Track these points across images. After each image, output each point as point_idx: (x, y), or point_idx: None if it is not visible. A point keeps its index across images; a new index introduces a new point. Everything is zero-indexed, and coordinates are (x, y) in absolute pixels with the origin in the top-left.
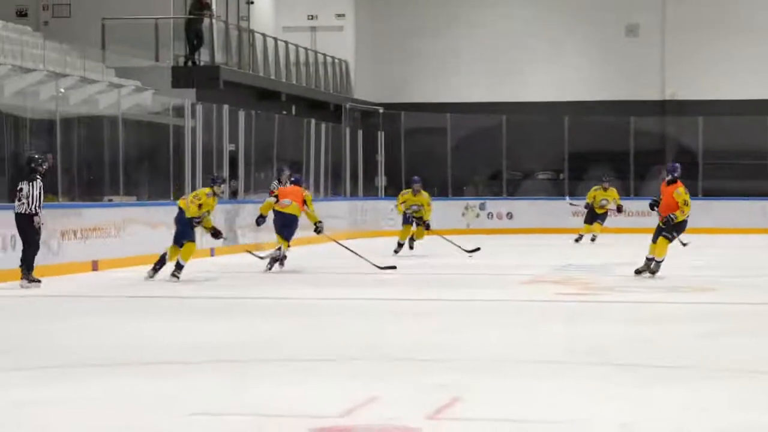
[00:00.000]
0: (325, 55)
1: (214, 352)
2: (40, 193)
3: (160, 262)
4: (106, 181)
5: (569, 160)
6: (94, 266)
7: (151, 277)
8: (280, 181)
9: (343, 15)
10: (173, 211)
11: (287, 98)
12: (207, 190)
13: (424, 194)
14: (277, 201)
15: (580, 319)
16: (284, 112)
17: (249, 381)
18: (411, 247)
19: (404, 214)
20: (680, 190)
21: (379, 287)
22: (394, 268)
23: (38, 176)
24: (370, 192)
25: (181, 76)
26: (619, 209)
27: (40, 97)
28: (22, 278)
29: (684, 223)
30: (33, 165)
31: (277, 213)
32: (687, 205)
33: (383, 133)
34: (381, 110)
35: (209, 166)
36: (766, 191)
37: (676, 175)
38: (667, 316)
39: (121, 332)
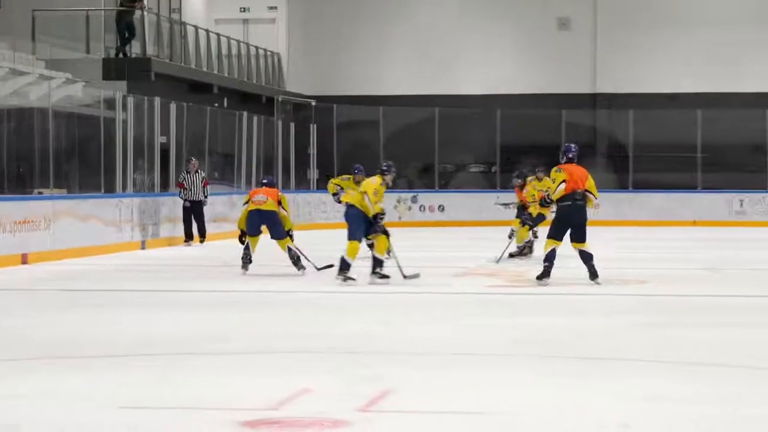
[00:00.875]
0: (257, 47)
1: (144, 345)
2: None
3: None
4: (36, 173)
5: (501, 152)
6: (24, 259)
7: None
8: (188, 172)
9: (275, 7)
10: (103, 204)
11: (219, 91)
12: (379, 180)
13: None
14: (251, 202)
15: (511, 311)
16: (216, 105)
17: (179, 374)
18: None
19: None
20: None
21: (314, 281)
22: (331, 266)
23: None
24: (303, 185)
25: (113, 68)
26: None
27: None
28: None
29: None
30: None
31: (253, 213)
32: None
33: (315, 125)
34: (313, 103)
35: (140, 158)
36: (696, 184)
37: (570, 156)
38: (599, 308)
39: (51, 326)
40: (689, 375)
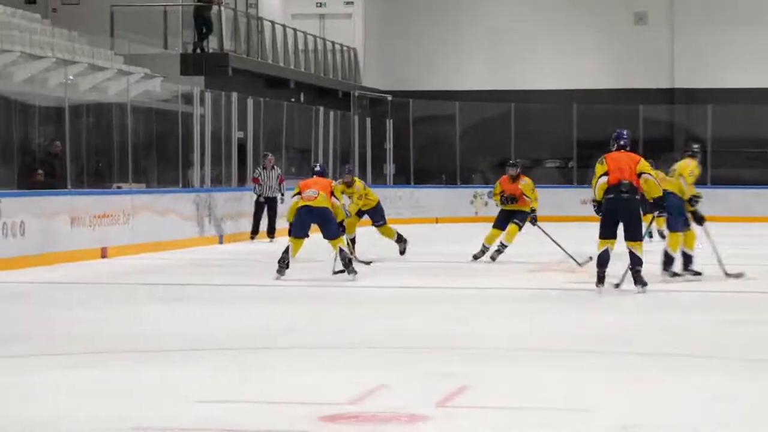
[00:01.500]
0: (333, 42)
1: (223, 340)
2: None
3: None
4: (115, 168)
5: (578, 148)
6: (103, 253)
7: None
8: (263, 168)
9: (352, 2)
10: (181, 199)
11: (296, 86)
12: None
13: (358, 185)
14: (300, 195)
15: (589, 307)
16: (293, 100)
17: (258, 369)
18: (402, 252)
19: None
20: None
21: (390, 276)
22: (369, 263)
23: None
24: (379, 180)
25: (190, 64)
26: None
27: (48, 84)
28: None
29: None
30: None
31: (303, 209)
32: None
33: (392, 121)
34: (389, 98)
35: (218, 153)
36: None
37: (621, 143)
38: (679, 305)
39: (130, 320)
40: None
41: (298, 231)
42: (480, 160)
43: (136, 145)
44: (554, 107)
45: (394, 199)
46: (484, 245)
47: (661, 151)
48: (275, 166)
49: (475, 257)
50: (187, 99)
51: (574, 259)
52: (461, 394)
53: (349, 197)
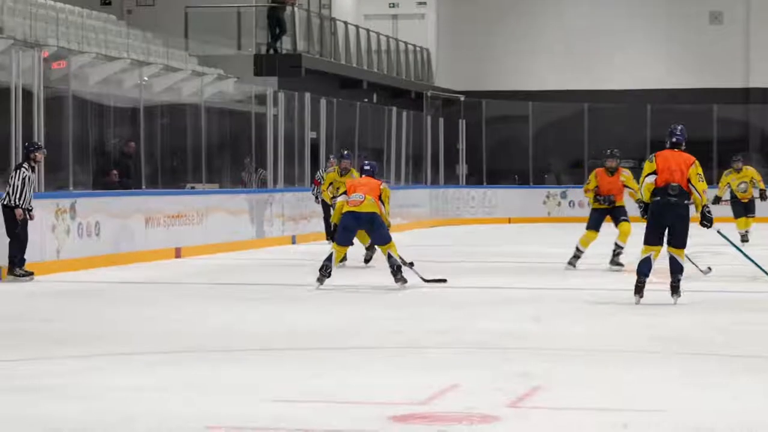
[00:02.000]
0: (406, 43)
1: (294, 339)
2: (23, 183)
3: (328, 270)
4: (189, 168)
5: (651, 147)
6: (177, 253)
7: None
8: (326, 170)
9: (425, 2)
10: (254, 199)
11: (369, 86)
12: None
13: (355, 175)
14: (346, 197)
15: (664, 308)
16: (365, 100)
17: (329, 368)
18: (366, 260)
19: (331, 200)
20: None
21: (466, 276)
22: (444, 281)
23: (25, 165)
24: (451, 180)
25: (264, 65)
26: (763, 196)
27: (123, 85)
28: (6, 274)
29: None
30: (25, 151)
31: (348, 216)
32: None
33: (464, 121)
34: (462, 98)
35: (291, 154)
36: None
37: (675, 140)
38: (754, 306)
39: (204, 319)
40: None
41: (343, 239)
42: (553, 160)
43: (209, 145)
44: (628, 107)
45: (466, 199)
46: (578, 249)
47: (735, 151)
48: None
49: (571, 264)
50: (261, 100)
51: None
52: (534, 395)
53: (338, 189)
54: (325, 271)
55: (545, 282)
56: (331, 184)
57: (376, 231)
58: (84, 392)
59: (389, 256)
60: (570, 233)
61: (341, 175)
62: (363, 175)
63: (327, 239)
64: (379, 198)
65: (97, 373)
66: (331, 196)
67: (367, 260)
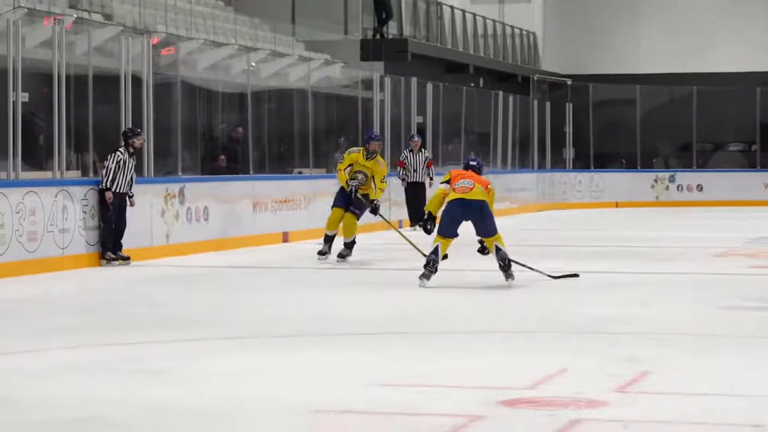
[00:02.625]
0: (512, 27)
1: (399, 323)
2: (116, 167)
3: (434, 264)
4: (296, 153)
5: (761, 131)
6: (285, 237)
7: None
8: (410, 150)
9: None
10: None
11: (475, 70)
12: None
13: (381, 161)
14: (449, 185)
15: None
16: (472, 85)
17: (435, 352)
18: (341, 256)
19: (344, 186)
20: None
21: (570, 261)
22: (576, 276)
23: (120, 149)
24: (558, 164)
25: (370, 49)
26: None
27: (231, 71)
28: (101, 258)
29: None
30: (123, 136)
31: (456, 203)
32: None
33: (571, 104)
34: (569, 82)
35: (397, 138)
36: None
37: None
38: None
39: (310, 304)
40: None
41: (449, 229)
42: (661, 144)
43: (316, 130)
44: (737, 90)
45: (573, 183)
46: None
47: None
48: (422, 149)
49: None
50: (367, 85)
51: None
52: (642, 380)
53: (362, 173)
54: (432, 266)
55: (652, 267)
56: (350, 166)
57: (485, 221)
58: (191, 376)
59: (497, 249)
60: (678, 217)
61: (367, 159)
62: (469, 170)
63: (411, 225)
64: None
65: (204, 357)
66: (349, 179)
67: (340, 255)
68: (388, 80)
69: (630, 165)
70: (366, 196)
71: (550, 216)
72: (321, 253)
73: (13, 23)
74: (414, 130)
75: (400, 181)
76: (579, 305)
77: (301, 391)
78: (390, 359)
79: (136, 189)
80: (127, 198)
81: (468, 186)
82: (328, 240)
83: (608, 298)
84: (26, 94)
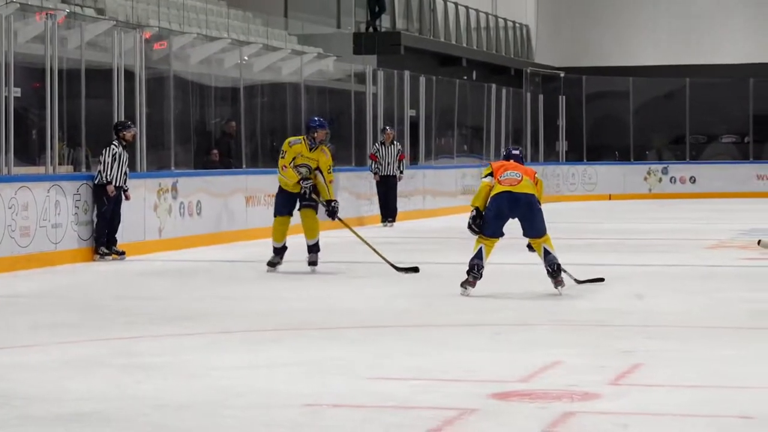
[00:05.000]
0: (505, 19)
1: (394, 317)
2: (113, 160)
3: (479, 269)
4: None
5: (754, 122)
6: None
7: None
8: (382, 143)
9: None
10: (354, 178)
11: (468, 63)
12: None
13: (326, 150)
14: (493, 178)
15: (765, 284)
16: (465, 78)
17: (427, 346)
18: (311, 263)
19: (304, 186)
20: None
21: (563, 253)
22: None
23: (114, 143)
24: (551, 157)
25: (363, 43)
26: None
27: (224, 65)
28: (94, 253)
29: None
30: (114, 130)
31: (503, 196)
32: None
33: (564, 97)
34: (562, 74)
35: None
36: None
37: None
38: None
39: (303, 298)
40: None
41: (494, 228)
42: (654, 136)
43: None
44: (730, 82)
45: (566, 175)
46: None
47: None
48: (395, 141)
49: None
50: (360, 78)
51: None
52: (635, 372)
53: (306, 166)
54: (477, 271)
55: (645, 259)
56: (293, 159)
57: (534, 219)
58: (188, 370)
59: (546, 253)
60: (671, 210)
61: (311, 150)
62: (511, 161)
63: (381, 221)
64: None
65: (200, 351)
66: (300, 178)
67: (311, 263)
68: (380, 74)
69: (623, 157)
70: (318, 194)
71: (543, 208)
72: (271, 264)
73: (5, 18)
74: (407, 124)
75: (373, 175)
76: (572, 298)
77: (294, 384)
78: (382, 353)
79: (129, 183)
80: (122, 192)
81: (516, 178)
82: (279, 252)
83: (601, 291)
84: (18, 89)
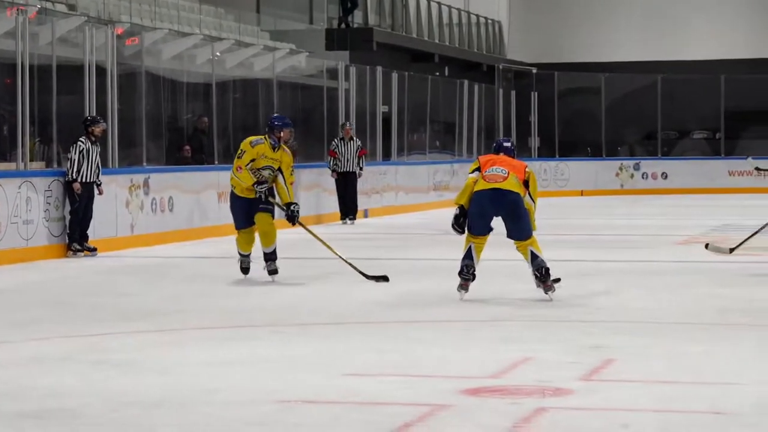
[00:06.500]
0: (478, 16)
1: (366, 313)
2: (80, 157)
3: (471, 270)
4: None
5: (725, 118)
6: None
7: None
8: (342, 140)
9: None
10: (327, 174)
11: (440, 59)
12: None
13: (289, 151)
14: (480, 173)
15: (735, 280)
16: (437, 74)
17: (399, 342)
18: (271, 272)
19: (259, 190)
20: None
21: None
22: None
23: (81, 139)
24: (524, 153)
25: (335, 39)
26: None
27: (196, 61)
28: (67, 249)
29: None
30: (83, 126)
31: (486, 193)
32: None
33: (536, 93)
34: (534, 71)
35: (362, 127)
36: None
37: None
38: None
39: (273, 295)
40: None
41: (479, 225)
42: (626, 132)
43: None
44: (701, 78)
45: (539, 171)
46: None
47: None
48: (354, 138)
49: None
50: (332, 74)
51: None
52: (607, 368)
53: (269, 169)
54: (467, 272)
55: (617, 255)
56: (252, 161)
57: (519, 219)
58: (159, 367)
59: (533, 257)
60: (643, 205)
61: (275, 149)
62: (501, 153)
63: (341, 219)
64: (525, 183)
65: (171, 347)
66: (255, 182)
67: (271, 272)
68: (353, 70)
69: (595, 153)
70: (275, 196)
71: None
72: (245, 269)
73: None
74: (379, 120)
75: (331, 172)
76: (543, 294)
77: (266, 381)
78: (354, 349)
79: (101, 179)
80: (95, 187)
81: (501, 174)
82: (247, 256)
83: (573, 287)
84: None
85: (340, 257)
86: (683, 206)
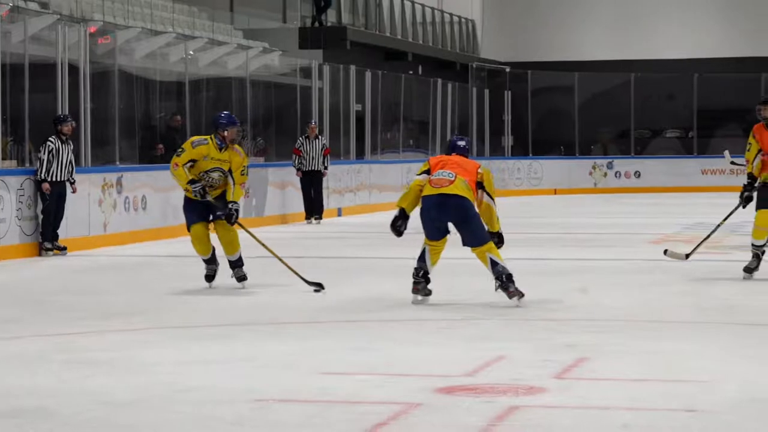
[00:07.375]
0: (451, 14)
1: (341, 313)
2: (51, 156)
3: (424, 272)
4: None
5: (698, 117)
6: None
7: None
8: (307, 138)
9: None
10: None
11: (414, 58)
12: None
13: (239, 149)
14: (427, 176)
15: (709, 278)
16: (411, 72)
17: (374, 341)
18: (239, 279)
19: (194, 189)
20: None
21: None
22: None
23: (51, 138)
24: (497, 151)
25: (309, 37)
26: None
27: (169, 59)
28: (40, 248)
29: None
30: (52, 124)
31: (432, 199)
32: None
33: (510, 92)
34: (508, 69)
35: (336, 126)
36: None
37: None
38: None
39: (248, 293)
40: None
41: (432, 230)
42: (599, 131)
43: (255, 119)
44: (674, 77)
45: (512, 170)
46: (756, 247)
47: None
48: (319, 136)
49: (751, 270)
50: (306, 73)
51: None
52: (580, 366)
53: (218, 170)
54: (419, 275)
55: (590, 253)
56: (192, 162)
57: (470, 225)
58: (133, 366)
59: (493, 264)
60: (616, 204)
61: (221, 150)
62: (454, 153)
63: (306, 219)
64: (478, 185)
65: (145, 346)
66: (190, 180)
67: (240, 278)
68: (326, 68)
69: (568, 152)
70: (220, 198)
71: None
72: (209, 277)
73: None
74: (353, 119)
75: (296, 171)
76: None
77: (242, 380)
78: (329, 348)
79: (75, 177)
80: (68, 185)
81: (447, 178)
82: (211, 261)
83: (546, 285)
84: None
85: (280, 260)
86: (657, 204)
